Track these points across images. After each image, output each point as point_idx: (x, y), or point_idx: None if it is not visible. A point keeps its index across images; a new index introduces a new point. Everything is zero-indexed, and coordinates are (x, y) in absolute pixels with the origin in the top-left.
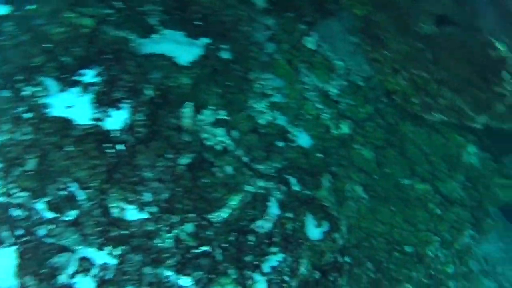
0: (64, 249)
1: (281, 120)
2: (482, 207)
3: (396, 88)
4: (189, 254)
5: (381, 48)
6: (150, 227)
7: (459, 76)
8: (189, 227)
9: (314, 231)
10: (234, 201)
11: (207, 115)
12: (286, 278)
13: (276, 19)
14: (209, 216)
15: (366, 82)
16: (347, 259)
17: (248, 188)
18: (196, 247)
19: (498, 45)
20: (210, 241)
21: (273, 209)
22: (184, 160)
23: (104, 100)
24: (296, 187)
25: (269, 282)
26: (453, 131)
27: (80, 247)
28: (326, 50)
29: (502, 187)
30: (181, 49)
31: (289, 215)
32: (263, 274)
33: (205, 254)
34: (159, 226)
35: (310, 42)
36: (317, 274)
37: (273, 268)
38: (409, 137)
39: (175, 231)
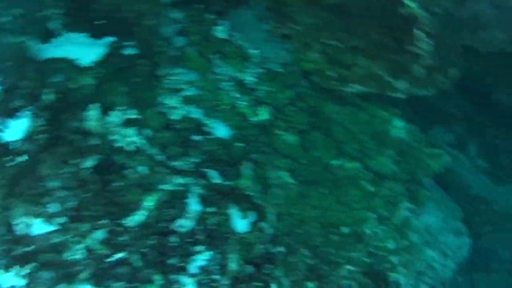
0: None
1: (196, 114)
2: (415, 179)
3: (311, 66)
4: (103, 264)
5: (290, 23)
6: (58, 239)
7: (372, 41)
8: (100, 234)
9: (240, 223)
10: (150, 201)
11: (115, 116)
12: (216, 277)
13: (184, 11)
14: (123, 221)
15: (284, 68)
16: (280, 248)
17: (164, 187)
18: (110, 255)
19: (407, 2)
20: (125, 247)
21: (194, 206)
22: (90, 163)
23: (1, 111)
24: (216, 180)
25: (198, 283)
26: (377, 107)
27: None
28: (239, 39)
29: (432, 157)
30: (83, 50)
31: (211, 209)
32: (191, 275)
33: (121, 262)
34: (67, 237)
35: (220, 32)
36: (249, 268)
37: (201, 268)
38: (333, 118)
39: (86, 240)
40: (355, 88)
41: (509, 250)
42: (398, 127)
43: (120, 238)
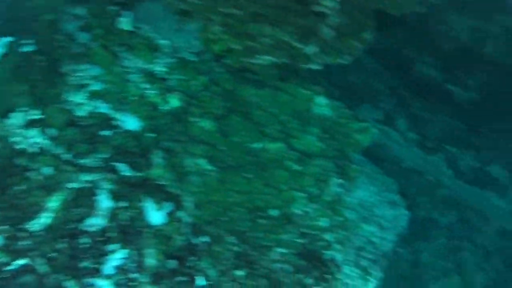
0: None
1: (103, 108)
2: (344, 155)
3: (219, 48)
4: (4, 274)
5: None
6: None
7: (274, 6)
8: None
9: (155, 215)
10: (54, 202)
11: (16, 118)
12: (134, 275)
13: (85, 7)
14: (25, 225)
15: (197, 56)
16: (203, 238)
17: (70, 185)
18: (10, 263)
19: None
20: (27, 253)
21: (104, 202)
22: None
23: None
24: (126, 172)
25: (116, 284)
26: (298, 87)
27: None
28: (147, 31)
29: (360, 131)
30: None
31: (123, 204)
32: (106, 277)
33: (24, 269)
34: None
35: (125, 24)
36: (171, 263)
37: (117, 267)
38: (252, 101)
39: None
40: (265, 59)
41: (446, 217)
42: (321, 105)
43: (21, 243)
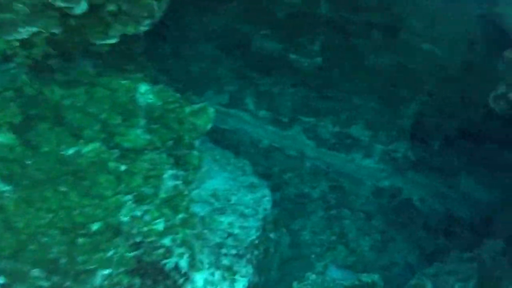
0: None
1: None
2: (181, 143)
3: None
4: None
5: None
6: None
7: None
8: None
9: None
10: None
11: None
12: None
13: None
14: None
15: None
16: None
17: None
18: None
19: None
20: None
21: None
22: None
23: None
24: None
25: None
26: (116, 79)
27: None
28: None
29: (195, 114)
30: None
31: None
32: None
33: None
34: None
35: None
36: None
37: None
38: (63, 104)
39: None
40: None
41: (317, 188)
42: (145, 93)
43: None
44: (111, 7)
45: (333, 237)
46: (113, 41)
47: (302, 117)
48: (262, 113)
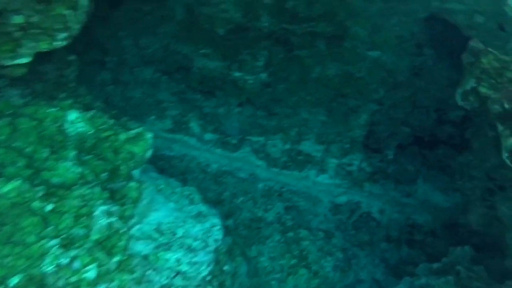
0: None
1: None
2: (117, 174)
3: None
4: None
5: None
6: None
7: None
8: None
9: None
10: None
11: None
12: None
13: None
14: None
15: None
16: None
17: None
18: None
19: None
20: None
21: None
22: None
23: None
24: None
25: None
26: (42, 107)
27: None
28: None
29: (132, 140)
30: None
31: None
32: None
33: None
34: None
35: None
36: None
37: None
38: None
39: None
40: None
41: (271, 211)
42: (76, 121)
43: None
44: (18, 19)
45: (293, 261)
46: (25, 60)
47: (251, 137)
48: (209, 136)
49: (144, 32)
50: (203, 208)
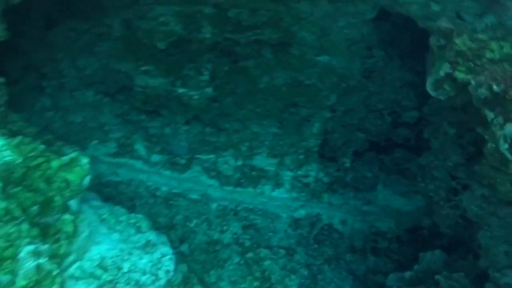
0: None
1: None
2: (50, 206)
3: None
4: None
5: None
6: None
7: None
8: None
9: None
10: None
11: None
12: None
13: None
14: None
15: None
16: None
17: None
18: None
19: None
20: None
21: None
22: None
23: None
24: None
25: None
26: None
27: None
28: None
29: (67, 167)
30: None
31: None
32: None
33: None
34: None
35: None
36: None
37: None
38: None
39: None
40: None
41: (228, 232)
42: (1, 149)
43: None
44: None
45: (256, 283)
46: None
47: (200, 155)
48: (156, 157)
49: (81, 53)
50: (151, 236)
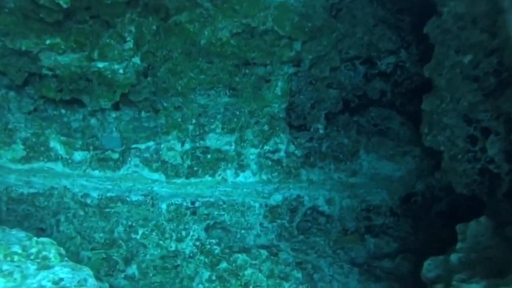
0: None
1: None
2: None
3: None
4: None
5: None
6: None
7: None
8: None
9: None
10: None
11: None
12: None
13: None
14: None
15: None
16: None
17: None
18: None
19: None
20: None
21: None
22: None
23: None
24: None
25: None
26: None
27: None
28: None
29: None
30: None
31: None
32: None
33: None
34: None
35: None
36: None
37: None
38: None
39: None
40: None
41: (188, 239)
42: None
43: None
44: None
45: None
46: None
47: (137, 144)
48: (79, 155)
49: None
50: (63, 272)
